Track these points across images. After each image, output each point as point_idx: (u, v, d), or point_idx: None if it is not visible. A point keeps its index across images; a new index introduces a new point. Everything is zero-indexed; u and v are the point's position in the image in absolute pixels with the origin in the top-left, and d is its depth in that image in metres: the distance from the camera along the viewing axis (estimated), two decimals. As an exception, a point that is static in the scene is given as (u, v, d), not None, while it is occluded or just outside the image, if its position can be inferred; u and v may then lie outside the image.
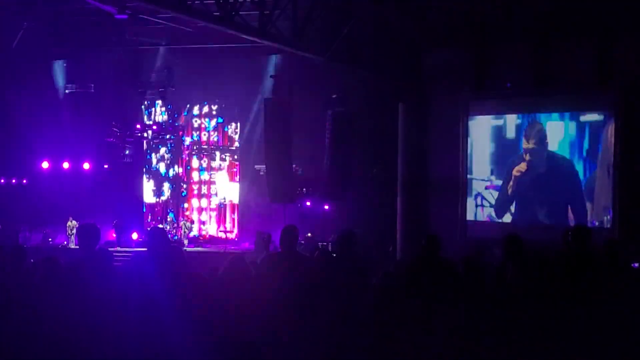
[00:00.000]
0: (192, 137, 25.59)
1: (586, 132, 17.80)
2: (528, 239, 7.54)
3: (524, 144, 18.57)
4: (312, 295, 6.64)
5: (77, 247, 6.81)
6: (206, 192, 25.48)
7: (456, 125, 19.34)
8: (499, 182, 19.08)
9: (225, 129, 25.38)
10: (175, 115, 25.39)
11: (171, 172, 25.65)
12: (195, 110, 25.41)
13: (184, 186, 25.57)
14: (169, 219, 25.24)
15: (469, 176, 19.43)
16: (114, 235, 23.18)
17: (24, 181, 24.27)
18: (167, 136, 25.36)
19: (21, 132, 22.63)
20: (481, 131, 19.40)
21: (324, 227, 20.78)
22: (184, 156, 25.62)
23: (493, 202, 19.21)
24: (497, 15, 17.22)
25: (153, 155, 25.62)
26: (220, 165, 25.50)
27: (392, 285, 7.31)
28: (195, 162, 25.59)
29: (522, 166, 18.58)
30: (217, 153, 25.48)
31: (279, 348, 6.36)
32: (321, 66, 18.94)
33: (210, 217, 25.34)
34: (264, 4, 14.85)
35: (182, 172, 25.58)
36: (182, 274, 6.38)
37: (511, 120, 19.01)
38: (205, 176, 25.56)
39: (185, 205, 25.39)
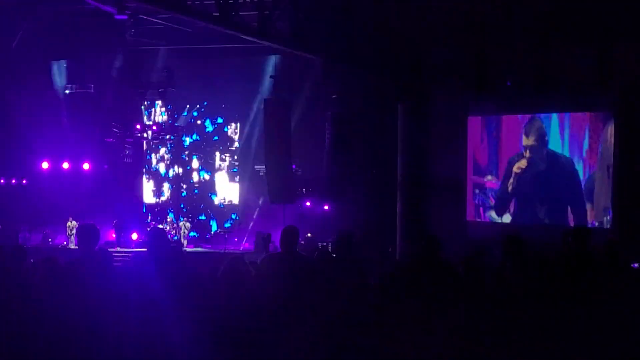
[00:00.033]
0: (191, 138, 25.60)
1: (586, 132, 17.80)
2: (528, 240, 7.54)
3: (524, 141, 18.56)
4: (311, 295, 6.63)
5: (77, 247, 6.80)
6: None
7: (456, 125, 19.34)
8: (499, 182, 19.08)
9: (225, 129, 25.39)
10: (175, 116, 25.40)
11: (171, 173, 25.66)
12: (195, 111, 25.41)
13: (184, 186, 25.58)
14: (168, 219, 25.24)
15: (468, 176, 19.43)
16: (114, 235, 23.19)
17: (24, 181, 24.28)
18: (167, 136, 25.37)
19: (21, 132, 22.65)
20: (481, 131, 19.40)
21: (324, 228, 20.77)
22: (184, 156, 25.64)
23: (493, 202, 19.21)
24: (497, 15, 17.20)
25: (153, 155, 25.63)
26: (220, 165, 25.52)
27: (392, 286, 7.31)
28: (195, 163, 25.60)
29: (523, 163, 18.58)
30: (217, 153, 25.50)
31: (279, 348, 6.36)
32: (321, 66, 18.98)
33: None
34: (264, 4, 14.85)
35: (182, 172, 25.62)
36: (181, 274, 6.38)
37: (511, 120, 19.01)
38: (205, 176, 25.58)
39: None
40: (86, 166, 24.18)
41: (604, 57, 17.10)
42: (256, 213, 23.67)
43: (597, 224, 17.22)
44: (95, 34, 21.83)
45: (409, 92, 19.73)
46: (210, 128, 25.51)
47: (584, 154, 17.75)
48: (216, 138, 25.52)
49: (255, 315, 6.33)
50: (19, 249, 7.73)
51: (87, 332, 5.81)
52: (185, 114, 25.44)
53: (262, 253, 16.82)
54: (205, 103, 25.25)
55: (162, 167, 25.65)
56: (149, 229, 22.34)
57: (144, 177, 25.47)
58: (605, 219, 17.23)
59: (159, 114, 25.37)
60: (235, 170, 25.33)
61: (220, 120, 25.37)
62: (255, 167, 23.04)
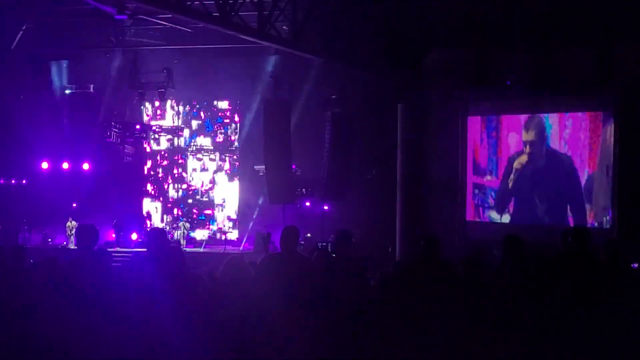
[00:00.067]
0: (191, 138, 25.60)
1: (585, 132, 17.79)
2: (527, 240, 7.54)
3: (524, 136, 18.55)
4: (311, 295, 6.63)
5: (76, 247, 6.80)
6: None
7: (456, 125, 19.34)
8: (499, 182, 19.08)
9: (225, 129, 25.38)
10: (175, 116, 25.41)
11: (170, 173, 25.65)
12: (194, 111, 25.42)
13: (184, 186, 25.58)
14: (168, 219, 25.24)
15: (468, 177, 19.42)
16: (114, 235, 23.19)
17: (24, 181, 24.27)
18: (167, 136, 25.39)
19: (21, 132, 22.63)
20: (481, 131, 19.39)
21: (324, 228, 20.76)
22: (183, 156, 25.63)
23: (492, 202, 19.20)
24: (497, 15, 17.20)
25: (152, 155, 25.62)
26: (219, 165, 25.52)
27: (392, 286, 7.31)
28: (194, 163, 25.60)
29: (523, 158, 18.57)
30: (217, 153, 25.50)
31: (279, 348, 6.36)
32: (320, 66, 18.97)
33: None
34: (263, 4, 14.85)
35: (181, 173, 25.60)
36: (181, 274, 6.37)
37: (511, 121, 19.00)
38: (205, 177, 25.58)
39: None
40: (86, 166, 24.18)
41: (604, 57, 17.09)
42: (256, 213, 23.67)
43: (596, 224, 17.21)
44: (95, 34, 21.86)
45: (409, 92, 19.72)
46: (209, 128, 25.50)
47: (584, 154, 17.74)
48: (216, 138, 25.51)
49: (255, 315, 6.33)
50: (19, 249, 7.74)
51: (87, 331, 5.81)
52: (184, 114, 25.44)
53: (262, 253, 16.81)
54: (205, 103, 25.24)
55: (161, 168, 25.64)
56: (148, 229, 22.36)
57: (144, 177, 25.45)
58: (605, 219, 17.22)
59: (159, 114, 25.39)
60: (235, 170, 25.32)
61: (219, 120, 25.36)
62: (255, 167, 23.02)
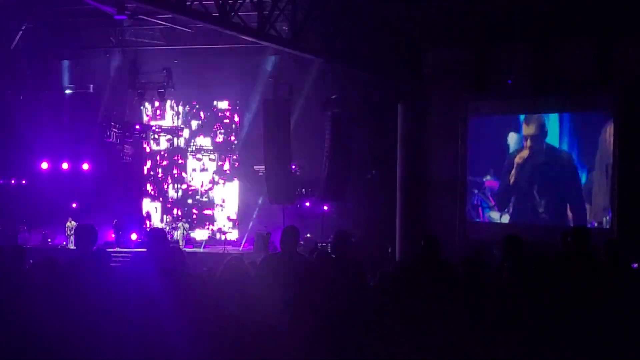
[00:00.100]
0: (190, 138, 25.60)
1: (584, 132, 17.79)
2: (527, 240, 7.53)
3: (525, 130, 18.53)
4: (311, 295, 6.63)
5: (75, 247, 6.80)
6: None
7: (456, 125, 19.33)
8: (498, 182, 19.06)
9: (225, 129, 25.38)
10: (175, 116, 25.41)
11: (170, 173, 25.65)
12: (194, 111, 25.42)
13: (183, 187, 25.58)
14: (167, 220, 25.24)
15: (468, 177, 19.42)
16: (113, 235, 23.19)
17: (23, 182, 24.27)
18: (166, 136, 25.39)
19: (20, 132, 22.64)
20: (481, 131, 19.38)
21: (323, 228, 20.77)
22: (183, 156, 25.63)
23: (492, 202, 19.19)
24: (497, 15, 17.20)
25: (152, 155, 25.61)
26: (219, 165, 25.52)
27: (392, 286, 7.30)
28: (194, 163, 25.60)
29: (524, 153, 18.55)
30: (216, 153, 25.50)
31: (279, 348, 6.35)
32: (320, 66, 18.96)
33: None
34: (263, 4, 14.84)
35: (180, 172, 25.60)
36: (180, 274, 6.37)
37: (511, 121, 19.00)
38: (204, 177, 25.58)
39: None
40: (85, 166, 24.18)
41: (604, 57, 17.09)
42: (256, 213, 23.67)
43: (596, 224, 17.20)
44: (95, 34, 21.85)
45: (409, 92, 19.73)
46: (209, 128, 25.50)
47: (583, 154, 17.73)
48: (215, 138, 25.50)
49: (254, 315, 6.32)
50: (19, 250, 7.73)
51: (86, 332, 5.80)
52: (184, 114, 25.43)
53: (261, 253, 16.81)
54: (205, 103, 25.24)
55: (161, 168, 25.64)
56: (148, 229, 22.36)
57: (143, 178, 25.45)
58: (604, 219, 17.21)
59: (158, 113, 25.39)
60: (234, 170, 25.32)
61: (219, 120, 25.36)
62: (255, 167, 23.03)
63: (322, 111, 20.10)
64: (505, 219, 18.92)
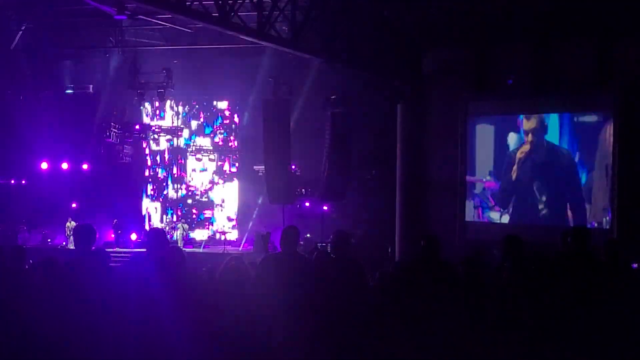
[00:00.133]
0: (190, 138, 25.61)
1: (584, 132, 17.78)
2: (527, 240, 7.53)
3: (525, 125, 18.50)
4: (311, 295, 6.63)
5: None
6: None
7: (455, 125, 19.32)
8: (498, 183, 19.06)
9: (224, 129, 25.39)
10: (174, 116, 25.41)
11: (170, 173, 25.65)
12: (194, 111, 25.42)
13: (183, 187, 25.58)
14: (167, 220, 25.24)
15: (468, 177, 19.41)
16: (113, 235, 23.20)
17: (23, 182, 24.28)
18: (166, 136, 25.38)
19: (20, 132, 22.64)
20: (481, 131, 19.38)
21: (323, 228, 20.77)
22: (182, 157, 25.64)
23: (492, 202, 19.18)
24: (497, 15, 17.19)
25: (152, 155, 25.62)
26: (219, 165, 25.53)
27: (392, 286, 7.30)
28: (194, 163, 25.60)
29: (525, 147, 18.54)
30: (216, 154, 25.50)
31: (279, 348, 6.35)
32: (320, 67, 18.94)
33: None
34: (263, 4, 14.83)
35: (180, 173, 25.60)
36: (180, 274, 6.37)
37: (511, 121, 19.00)
38: (204, 177, 25.58)
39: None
40: (85, 166, 24.19)
41: (604, 57, 17.08)
42: (255, 213, 23.67)
43: (596, 224, 17.20)
44: (94, 34, 21.85)
45: (409, 92, 19.73)
46: (209, 129, 25.50)
47: (583, 154, 17.73)
48: (215, 138, 25.52)
49: (254, 315, 6.32)
50: (19, 250, 7.74)
51: (86, 332, 5.80)
52: (184, 114, 25.44)
53: (261, 253, 16.80)
54: (205, 103, 25.25)
55: (160, 168, 25.64)
56: (148, 230, 22.36)
57: (143, 178, 25.45)
58: (604, 219, 17.21)
59: (158, 114, 25.39)
60: (234, 170, 25.33)
61: (219, 120, 25.37)
62: (255, 167, 23.03)
63: (322, 111, 20.08)
64: (505, 219, 18.91)
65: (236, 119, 25.11)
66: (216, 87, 24.02)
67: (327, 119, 19.99)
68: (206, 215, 25.36)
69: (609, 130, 17.18)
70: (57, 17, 20.81)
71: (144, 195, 25.38)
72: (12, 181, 24.24)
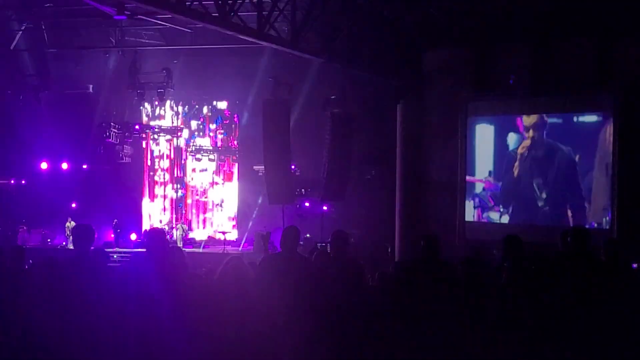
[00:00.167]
0: (190, 138, 25.61)
1: (584, 132, 17.78)
2: (527, 240, 7.52)
3: (525, 120, 18.50)
4: (311, 295, 6.62)
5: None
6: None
7: (455, 125, 19.31)
8: (498, 183, 19.06)
9: (224, 129, 25.39)
10: (174, 116, 25.41)
11: (169, 173, 25.66)
12: (194, 111, 25.43)
13: (183, 187, 25.58)
14: (166, 220, 25.24)
15: (468, 177, 19.41)
16: (113, 235, 23.20)
17: (23, 182, 24.27)
18: (166, 136, 25.38)
19: (20, 132, 22.64)
20: (481, 132, 19.38)
21: (323, 228, 20.77)
22: (182, 157, 25.64)
23: (492, 203, 19.18)
24: (497, 15, 17.20)
25: (151, 155, 25.62)
26: (218, 166, 25.53)
27: (392, 286, 7.30)
28: (193, 163, 25.61)
29: (526, 142, 18.54)
30: (216, 154, 25.51)
31: (279, 349, 6.35)
32: (320, 67, 18.95)
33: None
34: (263, 4, 14.83)
35: (180, 173, 25.61)
36: (180, 275, 6.36)
37: (511, 121, 18.99)
38: (203, 177, 25.59)
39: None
40: (85, 166, 24.19)
41: (604, 57, 17.09)
42: (255, 213, 23.68)
43: (596, 224, 17.20)
44: (94, 34, 21.85)
45: (409, 92, 19.73)
46: (209, 128, 25.50)
47: (583, 154, 17.73)
48: (215, 138, 25.52)
49: (254, 315, 6.32)
50: (18, 250, 7.73)
51: (86, 331, 5.80)
52: (184, 114, 25.44)
53: (261, 253, 16.79)
54: (205, 103, 25.25)
55: (160, 168, 25.64)
56: (147, 230, 22.35)
57: (143, 178, 25.46)
58: (604, 219, 17.21)
59: (158, 114, 25.39)
60: (234, 170, 25.33)
61: (219, 120, 25.37)
62: (254, 167, 23.03)
63: (322, 111, 20.08)
64: (505, 219, 18.91)
65: (236, 119, 25.11)
66: (216, 87, 24.02)
67: (327, 119, 19.98)
68: (204, 215, 25.37)
69: (609, 130, 17.18)
70: (57, 17, 20.82)
71: (144, 196, 25.38)
72: (12, 181, 24.24)
